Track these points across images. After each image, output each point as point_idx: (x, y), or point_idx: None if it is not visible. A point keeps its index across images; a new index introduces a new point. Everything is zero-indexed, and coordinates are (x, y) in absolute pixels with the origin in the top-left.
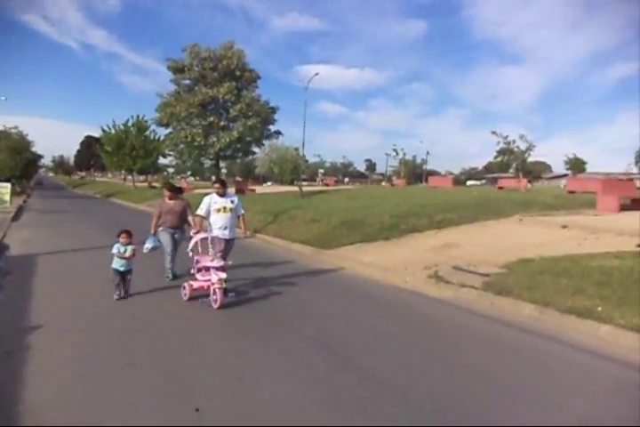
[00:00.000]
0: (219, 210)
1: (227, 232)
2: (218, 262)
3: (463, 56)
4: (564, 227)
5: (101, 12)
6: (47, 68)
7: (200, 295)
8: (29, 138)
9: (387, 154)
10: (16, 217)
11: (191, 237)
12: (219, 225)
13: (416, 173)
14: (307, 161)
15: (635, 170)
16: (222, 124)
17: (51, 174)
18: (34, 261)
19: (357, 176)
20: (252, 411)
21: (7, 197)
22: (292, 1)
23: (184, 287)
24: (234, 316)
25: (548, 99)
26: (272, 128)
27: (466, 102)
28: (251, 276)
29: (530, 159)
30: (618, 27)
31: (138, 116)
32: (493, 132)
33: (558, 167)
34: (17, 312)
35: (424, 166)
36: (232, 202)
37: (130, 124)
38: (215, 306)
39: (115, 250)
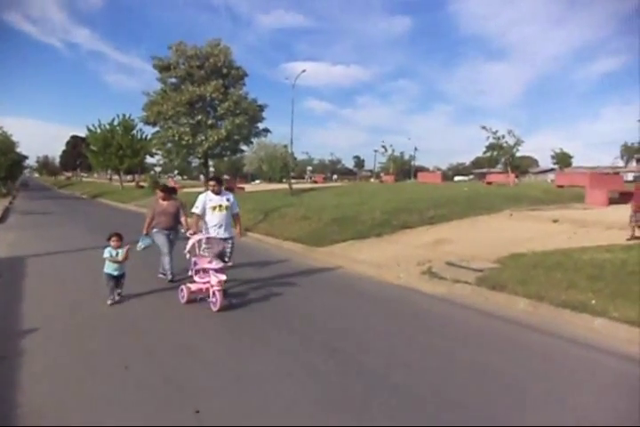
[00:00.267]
0: (214, 208)
1: (222, 231)
2: (217, 264)
3: (449, 52)
4: (555, 221)
5: (84, 11)
6: (30, 67)
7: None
8: (14, 138)
9: (375, 151)
10: (2, 219)
11: (187, 238)
12: (214, 224)
13: (404, 169)
14: (295, 159)
15: (621, 164)
16: (210, 122)
17: (36, 175)
18: (22, 264)
19: (346, 173)
20: (253, 411)
21: None
22: None
23: (182, 290)
24: (231, 317)
25: (533, 94)
26: (260, 126)
27: (452, 98)
28: (246, 276)
29: (518, 154)
30: (600, 22)
31: (124, 116)
32: (483, 127)
33: (545, 162)
34: (8, 316)
35: (412, 162)
36: (228, 200)
37: (116, 123)
38: (215, 309)
39: (106, 254)
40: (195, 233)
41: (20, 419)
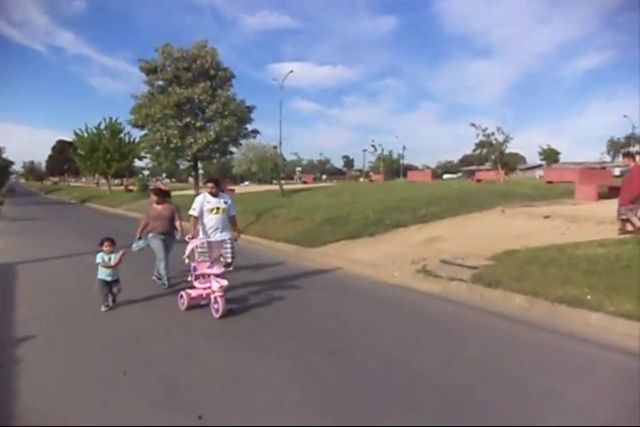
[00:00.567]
0: (212, 210)
1: (219, 234)
2: (217, 269)
3: (435, 51)
4: (547, 217)
5: (67, 14)
6: (13, 72)
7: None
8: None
9: (364, 150)
10: None
11: (185, 242)
12: (210, 226)
13: (393, 168)
14: (285, 159)
15: (608, 159)
16: (199, 124)
17: (22, 181)
18: (13, 271)
19: (335, 173)
20: (255, 415)
21: None
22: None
23: (181, 296)
24: (230, 321)
25: (519, 91)
26: (249, 127)
27: (439, 97)
28: (242, 279)
29: (506, 151)
30: (584, 19)
31: (111, 119)
32: (473, 125)
33: (532, 158)
34: (2, 324)
35: (401, 161)
36: (225, 203)
37: (103, 126)
38: (217, 315)
39: (99, 259)
40: (193, 237)
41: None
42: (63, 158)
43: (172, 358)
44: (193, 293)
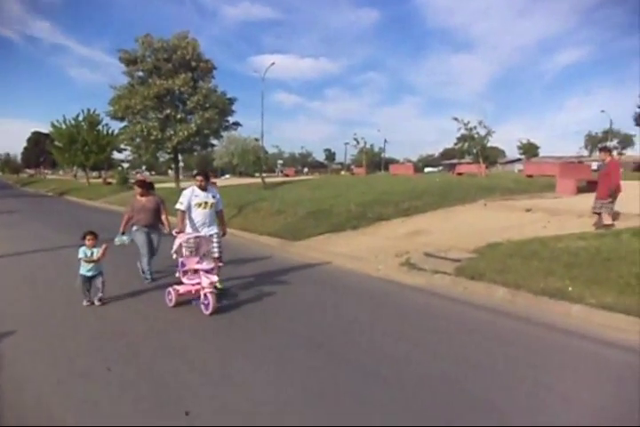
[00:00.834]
0: (199, 205)
1: (207, 229)
2: (207, 264)
3: (416, 44)
4: (528, 210)
5: (42, 3)
6: None
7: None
8: None
9: (346, 143)
10: None
11: (173, 237)
12: (198, 221)
13: (374, 161)
14: (266, 152)
15: (585, 153)
16: (179, 116)
17: None
18: None
19: (317, 166)
20: (243, 410)
21: None
22: None
23: (169, 293)
24: (217, 316)
25: (499, 85)
26: (230, 119)
27: (421, 90)
28: (229, 274)
29: (488, 145)
30: (563, 14)
31: (89, 111)
32: (455, 119)
33: (511, 152)
34: None
35: (382, 155)
36: (214, 197)
37: (81, 118)
38: (207, 312)
39: (81, 254)
40: (180, 232)
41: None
42: (39, 150)
43: (157, 354)
44: (181, 289)
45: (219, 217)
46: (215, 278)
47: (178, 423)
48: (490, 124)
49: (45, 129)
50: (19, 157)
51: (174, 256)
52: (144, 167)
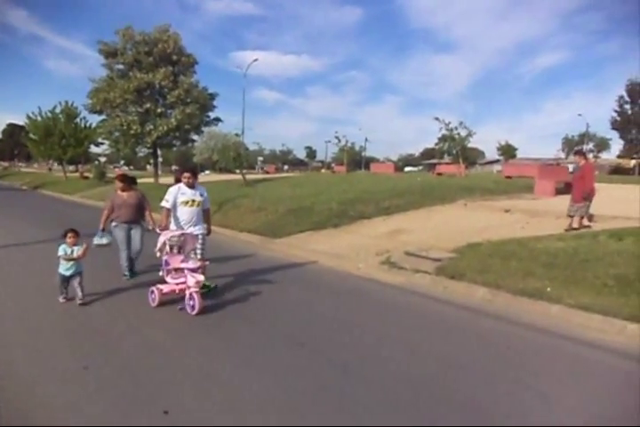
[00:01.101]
0: (186, 202)
1: (193, 228)
2: (193, 263)
3: (399, 44)
4: (507, 211)
5: None
6: None
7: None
8: None
9: (328, 141)
10: None
11: (157, 234)
12: (183, 219)
13: (355, 159)
14: (247, 149)
15: (562, 155)
16: (159, 110)
17: None
18: None
19: (297, 164)
20: (223, 409)
21: None
22: None
23: (152, 292)
24: (200, 316)
25: (479, 87)
26: (211, 115)
27: (402, 90)
28: (210, 272)
29: (468, 145)
30: (542, 18)
31: (67, 103)
32: (436, 119)
33: (489, 153)
34: None
35: (362, 153)
36: (201, 195)
37: (58, 110)
38: (193, 312)
39: (60, 252)
40: (164, 229)
41: None
42: (13, 143)
43: (136, 353)
44: (165, 288)
45: (205, 216)
46: (201, 278)
47: (157, 423)
48: (469, 124)
49: (21, 121)
50: None
51: (158, 254)
52: (122, 162)
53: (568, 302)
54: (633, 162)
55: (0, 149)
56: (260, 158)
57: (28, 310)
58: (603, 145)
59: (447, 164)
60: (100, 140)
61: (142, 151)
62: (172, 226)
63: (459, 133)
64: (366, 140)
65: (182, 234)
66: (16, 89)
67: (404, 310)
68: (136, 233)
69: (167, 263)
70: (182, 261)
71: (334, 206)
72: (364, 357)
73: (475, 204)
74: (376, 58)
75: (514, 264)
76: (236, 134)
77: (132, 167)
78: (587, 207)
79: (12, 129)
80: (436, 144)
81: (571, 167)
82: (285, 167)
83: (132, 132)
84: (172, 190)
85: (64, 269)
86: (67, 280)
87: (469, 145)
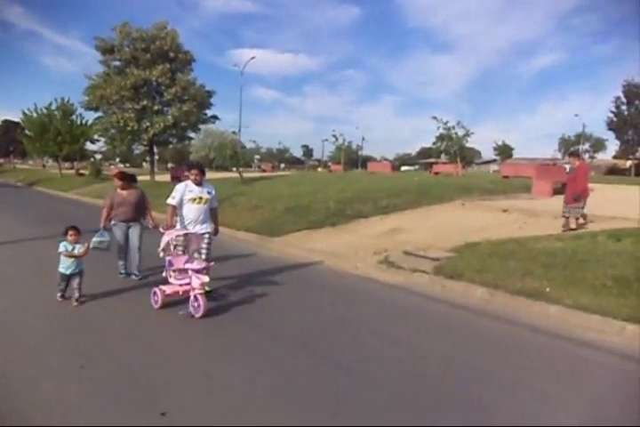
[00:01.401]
0: (193, 200)
1: (200, 226)
2: (198, 264)
3: (396, 43)
4: (505, 211)
5: None
6: None
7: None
8: None
9: (325, 140)
10: None
11: (160, 233)
12: (191, 217)
13: (352, 158)
14: (244, 147)
15: (559, 156)
16: (156, 108)
17: None
18: None
19: (294, 162)
20: (224, 411)
21: None
22: None
23: (155, 293)
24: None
25: (476, 87)
26: (208, 113)
27: (399, 89)
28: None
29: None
30: (539, 19)
31: (62, 99)
32: (434, 118)
33: (486, 153)
34: None
35: (359, 152)
36: (209, 193)
37: (54, 107)
38: (198, 315)
39: (61, 248)
40: (169, 228)
41: None
42: (9, 139)
43: (134, 353)
44: (168, 289)
45: (212, 214)
46: (206, 279)
47: (154, 424)
48: (466, 124)
49: (17, 118)
50: None
51: (161, 254)
52: (118, 159)
53: (567, 302)
54: (629, 163)
55: None
56: (257, 157)
57: (25, 308)
58: (599, 146)
59: (444, 163)
60: (96, 137)
61: (138, 148)
62: (178, 225)
63: (456, 133)
64: (363, 139)
65: (186, 233)
66: (12, 86)
67: (403, 309)
68: (134, 231)
69: (171, 264)
70: (186, 262)
71: (332, 205)
72: (364, 357)
73: (472, 203)
74: (373, 57)
75: (512, 264)
76: (233, 132)
77: (127, 165)
78: (581, 208)
79: (8, 125)
80: (434, 143)
81: (567, 167)
82: (282, 166)
83: (129, 129)
84: (178, 188)
85: (64, 267)
86: (67, 279)
87: (467, 145)
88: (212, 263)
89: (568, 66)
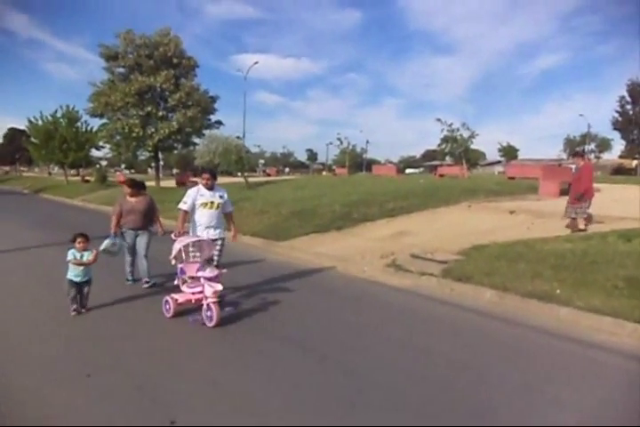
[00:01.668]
0: (205, 205)
1: (212, 231)
2: (211, 272)
3: (398, 46)
4: (512, 212)
5: None
6: None
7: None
8: None
9: (329, 143)
10: None
11: (171, 240)
12: (203, 222)
13: (356, 161)
14: (248, 151)
15: (564, 156)
16: (161, 114)
17: None
18: None
19: (298, 166)
20: (231, 419)
21: None
22: None
23: (167, 302)
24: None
25: (478, 89)
26: (212, 118)
27: (402, 92)
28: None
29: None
30: (541, 20)
31: (68, 107)
32: (438, 120)
33: (491, 154)
34: None
35: (364, 155)
36: (221, 197)
37: (59, 114)
38: (211, 324)
39: (70, 256)
40: (181, 234)
41: None
42: (15, 147)
43: (142, 361)
44: (180, 298)
45: (228, 219)
46: (220, 287)
47: None
48: (470, 126)
49: (22, 125)
50: None
51: (173, 262)
52: (123, 166)
53: (578, 304)
54: (635, 162)
55: (1, 153)
56: (262, 161)
57: (31, 316)
58: (604, 145)
59: (449, 165)
60: (101, 143)
61: (143, 155)
62: (190, 231)
63: (461, 135)
64: (367, 142)
65: (198, 240)
66: (17, 93)
67: (412, 313)
68: (142, 240)
69: (183, 271)
70: (199, 270)
71: (337, 209)
72: (375, 361)
73: (479, 205)
74: (376, 60)
75: (521, 266)
76: (238, 137)
77: (133, 171)
78: (586, 208)
79: (14, 133)
80: (439, 145)
81: (573, 168)
82: (287, 170)
83: (134, 135)
84: (190, 193)
85: (74, 275)
86: (77, 287)
87: (471, 146)
88: (225, 270)
89: (571, 66)
